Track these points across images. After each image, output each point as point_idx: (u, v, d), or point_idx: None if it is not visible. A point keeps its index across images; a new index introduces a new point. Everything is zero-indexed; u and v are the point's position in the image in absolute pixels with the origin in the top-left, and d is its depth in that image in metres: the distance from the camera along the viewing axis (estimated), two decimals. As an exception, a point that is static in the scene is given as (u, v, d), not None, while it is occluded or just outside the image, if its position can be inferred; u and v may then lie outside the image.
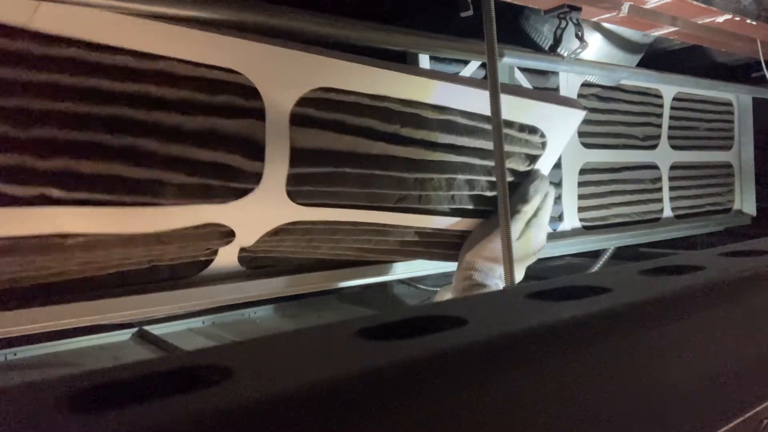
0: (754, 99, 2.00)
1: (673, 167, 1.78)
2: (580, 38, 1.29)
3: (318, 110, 0.91)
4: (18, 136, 0.71)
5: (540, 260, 1.17)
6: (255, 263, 1.04)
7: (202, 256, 0.96)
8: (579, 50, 1.34)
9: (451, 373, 0.28)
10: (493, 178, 1.10)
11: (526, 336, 0.31)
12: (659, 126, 1.73)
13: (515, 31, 1.41)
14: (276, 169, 0.88)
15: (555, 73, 1.42)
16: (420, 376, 0.27)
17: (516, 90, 1.16)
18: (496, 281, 1.06)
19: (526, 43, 1.40)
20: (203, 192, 0.84)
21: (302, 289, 1.11)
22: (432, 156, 1.03)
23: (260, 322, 1.81)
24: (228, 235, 0.91)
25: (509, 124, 1.10)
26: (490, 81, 0.95)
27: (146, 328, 1.62)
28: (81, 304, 0.86)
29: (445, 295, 1.19)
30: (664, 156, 1.75)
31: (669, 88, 1.73)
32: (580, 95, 1.48)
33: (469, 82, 1.11)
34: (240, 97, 0.85)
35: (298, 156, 0.90)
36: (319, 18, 1.00)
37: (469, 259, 1.08)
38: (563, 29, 1.28)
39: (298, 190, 0.92)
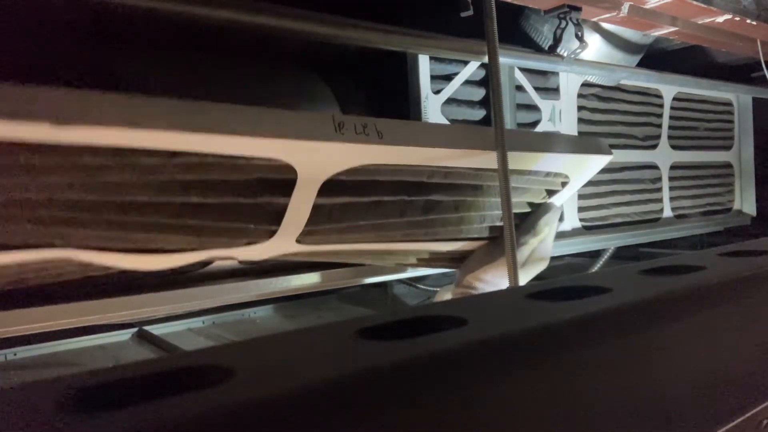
0: (754, 99, 2.00)
1: (673, 167, 1.78)
2: (580, 38, 1.29)
3: (350, 176, 0.86)
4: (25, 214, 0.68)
5: (540, 260, 1.16)
6: (255, 265, 1.04)
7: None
8: (579, 50, 1.34)
9: (451, 373, 0.28)
10: None
11: (526, 336, 0.31)
12: (659, 126, 1.73)
13: (515, 31, 1.42)
14: (290, 229, 0.85)
15: (555, 73, 1.42)
16: (420, 376, 0.27)
17: (547, 144, 1.09)
18: None
19: (526, 43, 1.40)
20: (211, 246, 0.82)
21: (302, 289, 1.11)
22: (450, 197, 1.00)
23: (260, 322, 1.81)
24: (230, 258, 0.91)
25: (534, 172, 1.06)
26: (491, 81, 0.95)
27: (146, 328, 1.62)
28: (81, 303, 0.86)
29: (445, 295, 1.19)
30: (664, 156, 1.75)
31: (669, 88, 1.74)
32: (580, 95, 1.48)
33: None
34: (272, 174, 0.79)
35: (315, 214, 0.86)
36: (319, 18, 1.00)
37: (470, 280, 1.09)
38: (563, 29, 1.28)
39: (308, 238, 0.90)
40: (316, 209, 0.84)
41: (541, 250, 1.13)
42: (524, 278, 1.12)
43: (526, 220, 1.13)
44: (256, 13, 0.92)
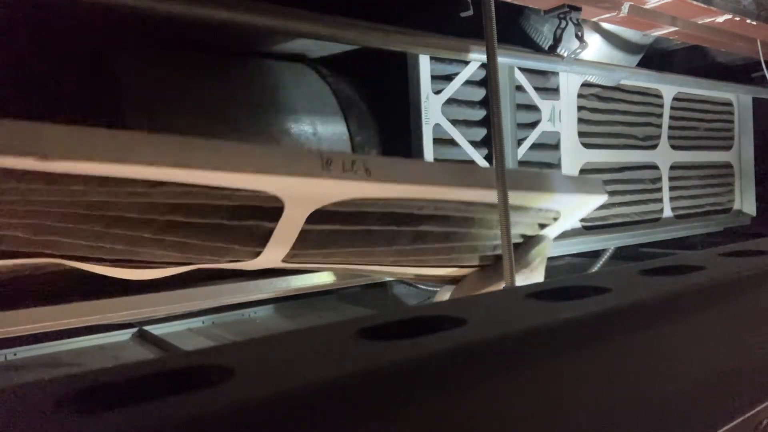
0: (754, 99, 2.00)
1: (673, 167, 1.78)
2: (580, 38, 1.29)
3: (338, 207, 0.85)
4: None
5: (540, 260, 1.16)
6: None
7: None
8: (579, 50, 1.34)
9: (451, 373, 0.28)
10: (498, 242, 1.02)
11: (526, 336, 0.31)
12: (659, 126, 1.73)
13: (515, 31, 1.42)
14: (275, 252, 0.85)
15: (555, 73, 1.42)
16: (420, 376, 0.27)
17: (541, 183, 1.08)
18: None
19: (526, 43, 1.40)
20: (196, 262, 0.82)
21: (302, 290, 1.11)
22: (441, 228, 0.98)
23: (260, 322, 1.81)
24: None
25: (526, 208, 1.04)
26: (490, 81, 0.95)
27: (146, 328, 1.61)
28: (81, 303, 0.86)
29: (446, 295, 1.19)
30: (664, 156, 1.75)
31: (669, 88, 1.73)
32: (580, 95, 1.48)
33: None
34: (259, 203, 0.78)
35: (302, 239, 0.85)
36: (319, 18, 1.00)
37: None
38: (563, 29, 1.28)
39: (293, 260, 0.89)
40: (303, 234, 0.83)
41: (532, 280, 1.12)
42: None
43: (518, 251, 1.11)
44: (256, 13, 0.92)
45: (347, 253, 0.91)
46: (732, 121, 1.99)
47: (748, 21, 1.36)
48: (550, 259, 1.64)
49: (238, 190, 0.72)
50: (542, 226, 1.13)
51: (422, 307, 0.36)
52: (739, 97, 1.99)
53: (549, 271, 1.16)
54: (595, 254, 1.77)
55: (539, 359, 0.31)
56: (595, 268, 1.77)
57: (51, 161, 0.59)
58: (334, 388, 0.25)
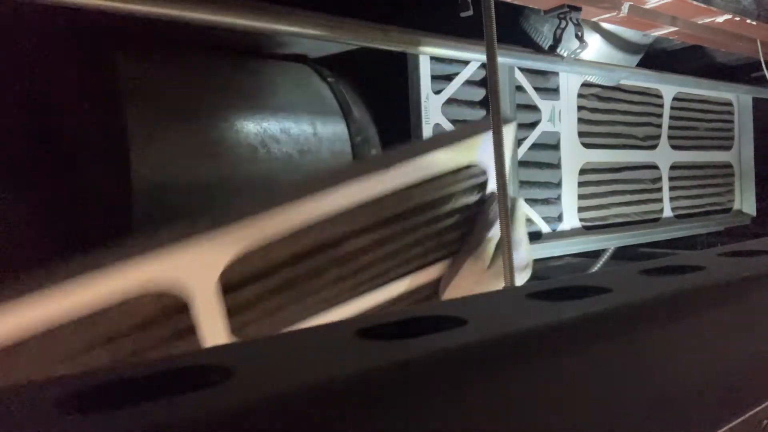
0: (754, 99, 2.00)
1: (673, 167, 1.78)
2: (580, 38, 1.29)
3: (240, 271, 0.65)
4: None
5: (540, 260, 1.16)
6: None
7: None
8: (579, 50, 1.34)
9: (451, 373, 0.28)
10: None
11: (526, 336, 0.31)
12: (659, 126, 1.73)
13: (515, 31, 1.42)
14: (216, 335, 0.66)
15: (555, 73, 1.42)
16: (420, 376, 0.27)
17: (432, 143, 0.90)
18: None
19: (526, 43, 1.40)
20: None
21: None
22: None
23: (260, 322, 1.80)
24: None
25: (442, 176, 0.86)
26: (489, 81, 0.95)
27: (146, 328, 1.61)
28: None
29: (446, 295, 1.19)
30: (664, 156, 1.75)
31: (669, 88, 1.74)
32: (580, 95, 1.48)
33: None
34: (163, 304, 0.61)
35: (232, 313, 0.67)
36: (318, 18, 1.00)
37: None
38: (563, 29, 1.28)
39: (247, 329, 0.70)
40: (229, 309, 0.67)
41: (518, 252, 0.98)
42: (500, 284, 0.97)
43: (475, 222, 0.94)
44: (254, 13, 0.92)
45: (294, 296, 0.74)
46: (732, 121, 1.99)
47: (748, 21, 1.36)
48: (550, 259, 1.64)
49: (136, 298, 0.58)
50: (479, 187, 0.92)
51: (422, 307, 0.36)
52: (739, 97, 1.99)
53: (549, 271, 1.16)
54: (595, 254, 1.77)
55: (539, 359, 0.31)
56: (595, 268, 1.77)
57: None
58: (334, 389, 0.25)
